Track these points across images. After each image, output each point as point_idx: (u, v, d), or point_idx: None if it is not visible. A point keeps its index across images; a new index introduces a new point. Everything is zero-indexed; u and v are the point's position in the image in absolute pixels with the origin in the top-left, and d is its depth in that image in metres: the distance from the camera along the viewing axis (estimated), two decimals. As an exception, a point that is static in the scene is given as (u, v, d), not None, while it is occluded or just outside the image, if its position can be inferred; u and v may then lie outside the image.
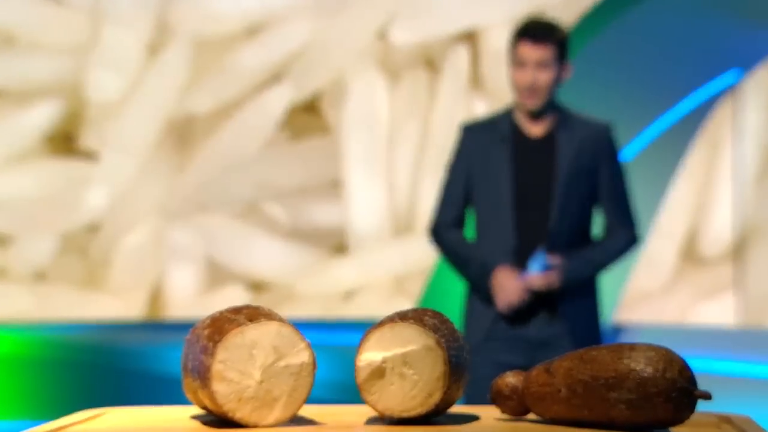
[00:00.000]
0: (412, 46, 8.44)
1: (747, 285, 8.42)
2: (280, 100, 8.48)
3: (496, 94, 8.38)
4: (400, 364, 1.81)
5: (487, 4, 8.40)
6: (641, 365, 1.72)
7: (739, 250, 8.42)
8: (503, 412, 1.87)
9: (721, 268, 8.39)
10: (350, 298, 8.47)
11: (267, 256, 8.47)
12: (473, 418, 1.86)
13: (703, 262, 8.28)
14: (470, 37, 8.40)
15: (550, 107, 3.90)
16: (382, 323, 1.83)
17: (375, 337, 1.83)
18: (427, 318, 1.83)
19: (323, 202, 8.48)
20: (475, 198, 3.95)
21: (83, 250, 8.60)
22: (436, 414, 1.80)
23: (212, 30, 8.56)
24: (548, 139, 3.89)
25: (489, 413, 1.87)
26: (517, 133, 3.90)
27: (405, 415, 1.80)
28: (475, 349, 3.90)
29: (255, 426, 1.80)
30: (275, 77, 8.50)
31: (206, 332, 1.86)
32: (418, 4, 8.44)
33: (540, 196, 3.84)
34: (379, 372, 1.81)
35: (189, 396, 1.94)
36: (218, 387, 1.79)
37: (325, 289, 8.44)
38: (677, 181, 8.03)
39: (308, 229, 8.48)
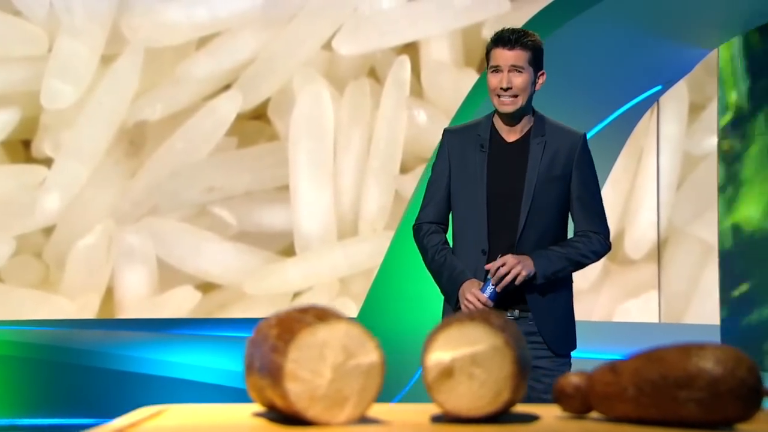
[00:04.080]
0: (357, 57, 8.36)
1: (668, 284, 8.45)
2: (229, 107, 8.36)
3: (436, 103, 8.33)
4: (469, 364, 1.73)
5: (427, 17, 8.34)
6: (711, 364, 1.66)
7: (661, 252, 8.45)
8: (565, 410, 1.79)
9: (645, 269, 8.42)
10: (297, 299, 8.36)
11: (216, 259, 8.34)
12: (534, 417, 1.78)
13: (628, 263, 8.29)
14: (412, 49, 8.34)
15: (526, 113, 3.82)
16: (449, 323, 1.75)
17: (443, 338, 1.74)
18: (493, 318, 1.75)
19: (271, 206, 8.36)
20: (454, 199, 3.87)
21: (38, 252, 8.41)
22: (502, 413, 1.73)
23: (164, 40, 8.41)
24: (522, 144, 3.82)
25: (549, 412, 1.80)
26: (494, 137, 3.83)
27: (473, 414, 1.72)
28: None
29: (327, 424, 1.71)
30: (225, 86, 8.38)
31: (275, 332, 1.76)
32: (361, 17, 8.36)
33: (511, 200, 3.77)
34: (447, 372, 1.73)
35: (252, 394, 1.84)
36: (291, 386, 1.69)
37: (273, 290, 8.33)
38: (604, 187, 8.03)
39: (256, 232, 8.36)
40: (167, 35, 8.39)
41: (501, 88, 3.75)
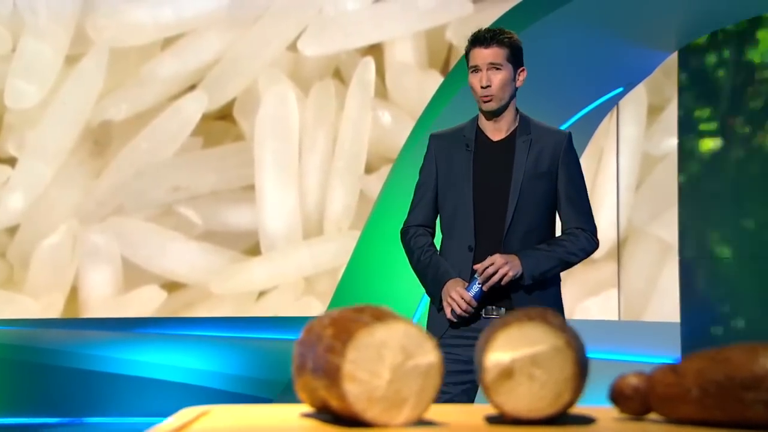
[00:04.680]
0: (322, 58, 8.27)
1: (628, 282, 8.45)
2: (194, 108, 8.24)
3: (400, 104, 8.26)
4: (529, 365, 1.66)
5: (391, 19, 8.27)
6: (778, 364, 1.60)
7: (620, 251, 8.44)
8: (623, 411, 1.73)
9: (605, 267, 8.40)
10: (262, 298, 8.26)
11: (182, 258, 8.22)
12: (591, 419, 1.72)
13: (589, 261, 8.24)
14: (376, 50, 8.27)
15: (509, 110, 3.79)
16: (507, 323, 1.68)
17: (502, 338, 1.67)
18: (551, 318, 1.69)
19: (237, 205, 8.25)
20: (441, 198, 3.82)
21: (2, 252, 8.24)
22: (560, 415, 1.66)
23: (129, 40, 8.28)
24: (508, 142, 3.78)
25: (605, 413, 1.74)
26: (479, 137, 3.79)
27: (533, 415, 1.66)
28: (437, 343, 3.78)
29: (385, 426, 1.63)
30: (190, 86, 8.26)
31: (330, 332, 1.68)
32: (326, 19, 8.27)
33: (498, 197, 3.72)
34: (507, 373, 1.66)
35: (302, 395, 1.76)
36: (349, 387, 1.61)
37: (238, 289, 8.22)
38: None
39: (222, 232, 8.25)
40: (132, 36, 8.26)
41: (481, 87, 3.72)
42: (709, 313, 7.25)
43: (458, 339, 3.73)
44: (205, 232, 8.22)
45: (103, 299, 8.23)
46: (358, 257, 7.40)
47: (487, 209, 3.71)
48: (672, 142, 8.36)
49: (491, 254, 3.67)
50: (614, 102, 7.77)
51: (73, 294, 8.22)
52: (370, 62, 8.22)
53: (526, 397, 1.67)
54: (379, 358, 1.65)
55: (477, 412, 1.80)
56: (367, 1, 8.29)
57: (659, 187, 8.37)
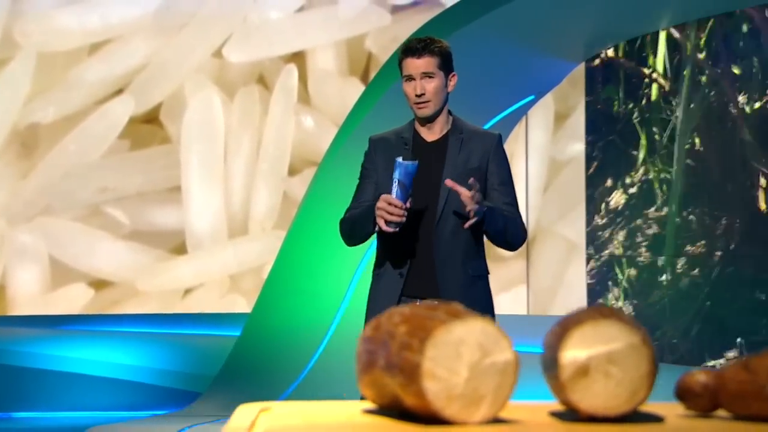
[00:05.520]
0: (246, 65, 8.10)
1: (536, 279, 8.44)
2: (121, 111, 8.00)
3: (322, 109, 8.13)
4: (605, 363, 1.56)
5: (313, 28, 8.14)
6: None
7: (529, 250, 8.42)
8: (689, 408, 1.63)
9: (515, 265, 8.37)
10: (188, 295, 8.05)
11: (109, 256, 7.97)
12: (659, 416, 1.62)
13: (500, 259, 8.20)
14: (299, 58, 8.12)
15: (443, 114, 3.77)
16: (581, 320, 1.57)
17: (577, 335, 1.56)
18: (624, 315, 1.59)
19: (163, 206, 8.03)
20: (380, 194, 3.75)
21: (-71, 250, 7.91)
22: (634, 412, 1.56)
23: (56, 45, 8.00)
24: (441, 142, 3.78)
25: (671, 410, 1.64)
26: (416, 138, 3.79)
27: (608, 413, 1.55)
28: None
29: (463, 423, 1.52)
30: (117, 90, 8.01)
31: (403, 329, 1.55)
32: (251, 27, 8.10)
33: (431, 191, 3.71)
34: (583, 370, 1.55)
35: (366, 392, 1.63)
36: (429, 384, 1.49)
37: (164, 286, 8.00)
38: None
39: (149, 231, 8.01)
40: (60, 41, 7.99)
41: (416, 95, 3.69)
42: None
43: None
44: (132, 232, 7.98)
45: (30, 297, 7.95)
46: (284, 256, 7.26)
47: (421, 203, 3.68)
48: (577, 147, 8.37)
49: (424, 243, 3.63)
50: (526, 109, 7.75)
51: (1, 292, 7.92)
52: (293, 69, 8.07)
53: (602, 395, 1.57)
54: (457, 355, 1.53)
55: (541, 408, 1.69)
56: (290, 11, 8.14)
57: (565, 190, 8.37)
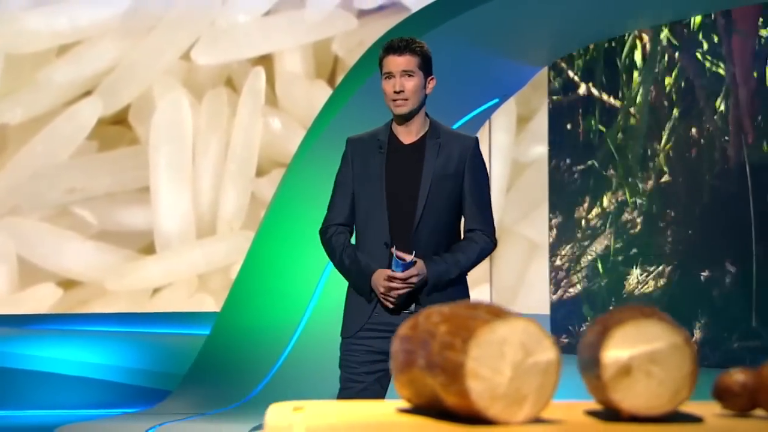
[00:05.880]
0: (214, 67, 7.99)
1: (499, 278, 8.41)
2: (90, 112, 7.86)
3: (289, 112, 8.05)
4: (647, 362, 1.50)
5: (280, 31, 8.05)
6: None
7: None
8: (726, 408, 1.58)
9: (479, 264, 8.32)
10: (157, 294, 7.93)
11: (78, 256, 7.83)
12: (697, 416, 1.57)
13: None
14: (266, 61, 8.03)
15: (420, 115, 3.71)
16: (622, 320, 1.51)
17: (619, 335, 1.51)
18: (664, 315, 1.54)
19: (132, 206, 7.90)
20: (357, 198, 3.71)
21: None
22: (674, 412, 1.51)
23: (24, 47, 7.86)
24: (418, 145, 3.71)
25: (708, 410, 1.59)
26: (392, 140, 3.72)
27: (650, 412, 1.50)
28: (353, 337, 3.65)
29: (506, 423, 1.46)
30: (86, 92, 7.88)
31: (444, 328, 1.48)
32: (219, 30, 8.00)
33: (409, 196, 3.66)
34: (625, 370, 1.50)
35: (403, 391, 1.56)
36: (473, 384, 1.43)
37: (133, 286, 7.87)
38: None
39: (117, 231, 7.88)
40: (28, 42, 7.84)
41: (394, 92, 3.63)
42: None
43: (372, 332, 3.66)
44: (100, 232, 7.85)
45: (-2, 297, 7.80)
46: (253, 256, 7.17)
47: (399, 208, 3.64)
48: (539, 150, 8.35)
49: (403, 246, 3.59)
50: (490, 112, 7.72)
51: (-31, 292, 7.76)
52: (260, 72, 7.98)
53: (644, 395, 1.51)
54: (500, 355, 1.47)
55: (576, 407, 1.63)
56: (257, 14, 8.04)
57: (527, 191, 8.34)
